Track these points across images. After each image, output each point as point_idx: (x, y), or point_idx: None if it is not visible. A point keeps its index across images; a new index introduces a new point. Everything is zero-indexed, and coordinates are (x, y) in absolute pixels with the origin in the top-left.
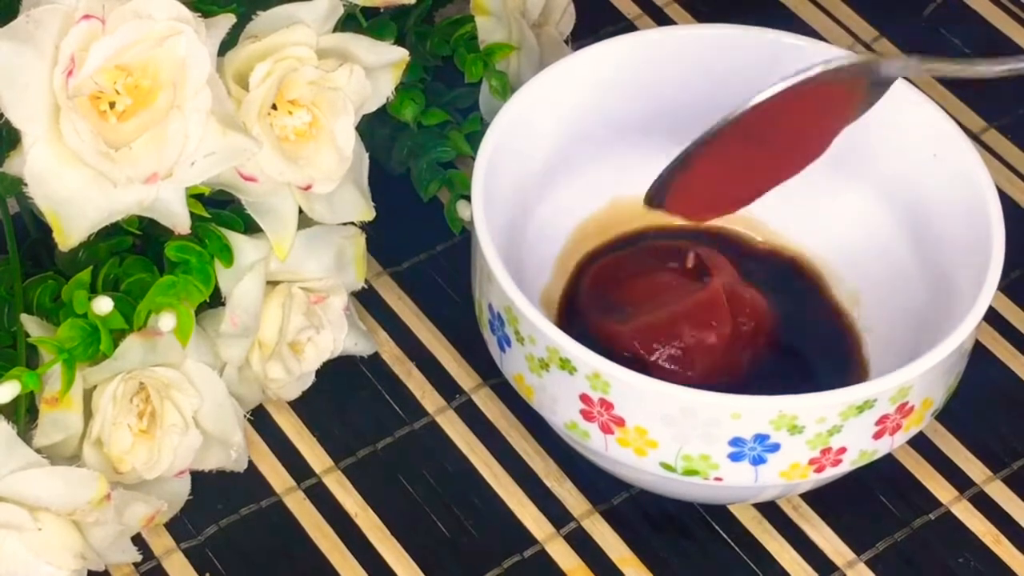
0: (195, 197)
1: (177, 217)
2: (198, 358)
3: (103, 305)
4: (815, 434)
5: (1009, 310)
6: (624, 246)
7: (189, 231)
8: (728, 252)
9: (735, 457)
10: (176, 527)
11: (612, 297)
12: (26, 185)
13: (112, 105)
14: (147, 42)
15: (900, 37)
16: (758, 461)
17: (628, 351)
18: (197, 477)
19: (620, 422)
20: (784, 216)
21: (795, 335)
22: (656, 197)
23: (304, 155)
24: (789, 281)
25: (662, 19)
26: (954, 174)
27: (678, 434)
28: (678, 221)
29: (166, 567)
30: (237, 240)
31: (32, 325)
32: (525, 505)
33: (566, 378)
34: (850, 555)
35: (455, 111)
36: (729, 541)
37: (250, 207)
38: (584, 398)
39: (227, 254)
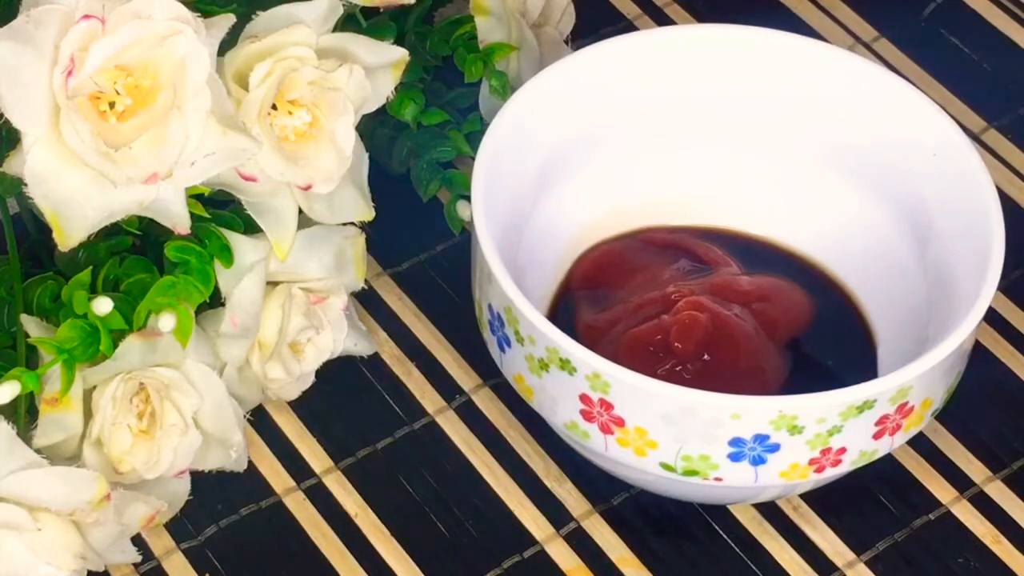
0: (195, 197)
1: (177, 217)
2: (198, 358)
3: (103, 305)
4: (815, 434)
5: (1009, 310)
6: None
7: (189, 231)
8: (729, 250)
9: (735, 457)
10: (176, 527)
11: (601, 290)
12: (26, 185)
13: (112, 105)
14: (147, 42)
15: (899, 37)
16: (758, 461)
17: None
18: (197, 477)
19: (620, 422)
20: (783, 216)
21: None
22: None
23: (304, 155)
24: (794, 279)
25: (662, 19)
26: (954, 174)
27: (678, 434)
28: (679, 221)
29: (166, 567)
30: (237, 240)
31: (32, 325)
32: (525, 505)
33: (566, 378)
34: (850, 555)
35: (455, 111)
36: (729, 541)
37: (250, 207)
38: (584, 398)
39: (227, 254)
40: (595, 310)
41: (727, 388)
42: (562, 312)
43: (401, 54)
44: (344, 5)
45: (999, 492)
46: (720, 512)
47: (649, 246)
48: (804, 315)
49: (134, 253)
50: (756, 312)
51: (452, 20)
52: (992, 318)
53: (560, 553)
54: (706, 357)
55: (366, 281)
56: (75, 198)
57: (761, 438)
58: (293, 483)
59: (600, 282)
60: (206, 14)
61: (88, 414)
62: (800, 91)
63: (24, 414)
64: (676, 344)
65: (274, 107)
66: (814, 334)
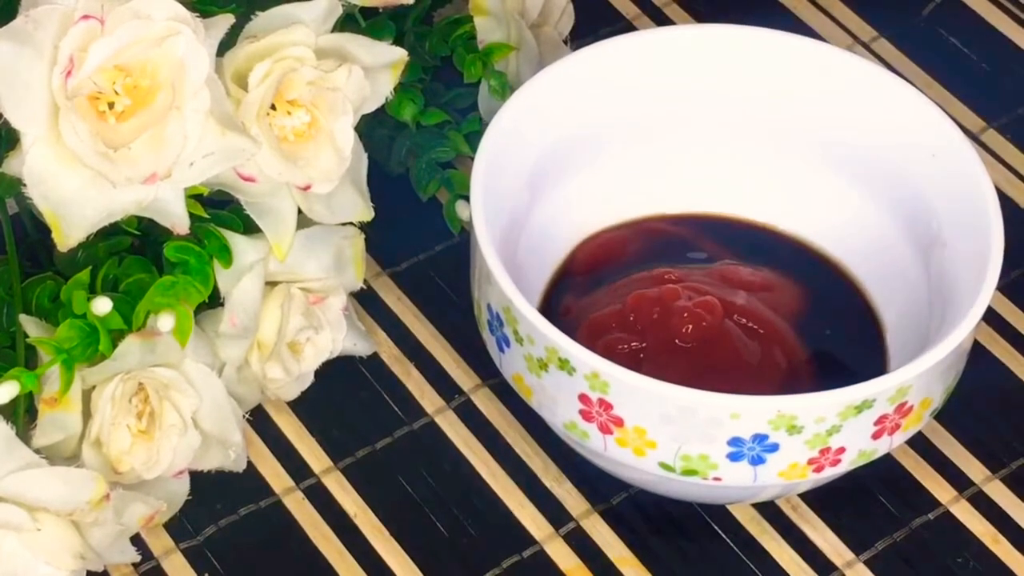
0: (194, 197)
1: (176, 217)
2: (197, 358)
3: (102, 305)
4: (814, 434)
5: (1008, 310)
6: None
7: (188, 231)
8: (731, 239)
9: (734, 457)
10: (175, 527)
11: (596, 277)
12: (25, 185)
13: (111, 105)
14: (146, 42)
15: (898, 37)
16: (757, 461)
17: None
18: (196, 477)
19: (619, 422)
20: (783, 215)
21: (819, 332)
22: None
23: (303, 155)
24: (800, 270)
25: (661, 19)
26: (954, 174)
27: (677, 434)
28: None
29: (165, 567)
30: (236, 240)
31: (31, 325)
32: (524, 505)
33: (565, 378)
34: (849, 555)
35: (454, 111)
36: (728, 541)
37: (249, 207)
38: (583, 398)
39: (226, 254)
40: (581, 295)
41: (710, 378)
42: (554, 300)
43: (400, 54)
44: (343, 5)
45: (998, 492)
46: (719, 512)
47: (648, 235)
48: (800, 305)
49: (133, 253)
50: (753, 304)
51: (451, 20)
52: (991, 318)
53: (559, 553)
54: (679, 343)
55: (365, 281)
56: (74, 198)
57: (760, 438)
58: (292, 483)
59: (596, 270)
60: (205, 14)
61: (87, 414)
62: (799, 91)
63: (23, 414)
64: (631, 317)
65: (273, 107)
66: (821, 324)
